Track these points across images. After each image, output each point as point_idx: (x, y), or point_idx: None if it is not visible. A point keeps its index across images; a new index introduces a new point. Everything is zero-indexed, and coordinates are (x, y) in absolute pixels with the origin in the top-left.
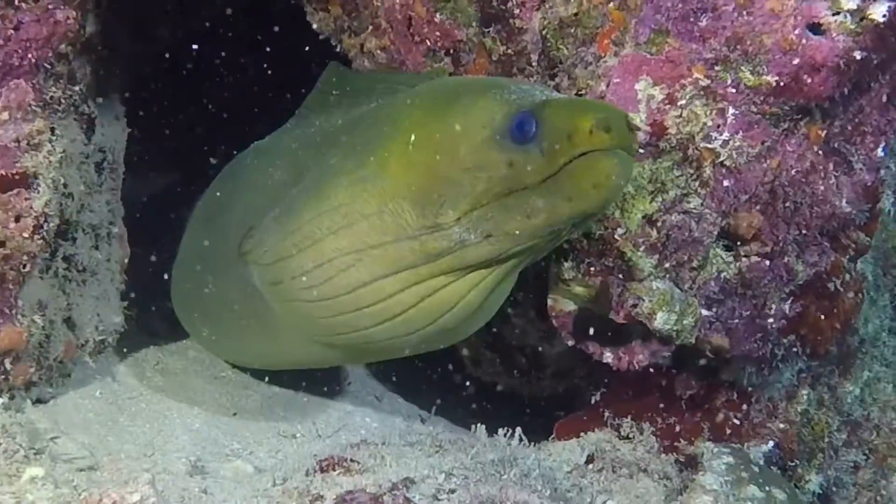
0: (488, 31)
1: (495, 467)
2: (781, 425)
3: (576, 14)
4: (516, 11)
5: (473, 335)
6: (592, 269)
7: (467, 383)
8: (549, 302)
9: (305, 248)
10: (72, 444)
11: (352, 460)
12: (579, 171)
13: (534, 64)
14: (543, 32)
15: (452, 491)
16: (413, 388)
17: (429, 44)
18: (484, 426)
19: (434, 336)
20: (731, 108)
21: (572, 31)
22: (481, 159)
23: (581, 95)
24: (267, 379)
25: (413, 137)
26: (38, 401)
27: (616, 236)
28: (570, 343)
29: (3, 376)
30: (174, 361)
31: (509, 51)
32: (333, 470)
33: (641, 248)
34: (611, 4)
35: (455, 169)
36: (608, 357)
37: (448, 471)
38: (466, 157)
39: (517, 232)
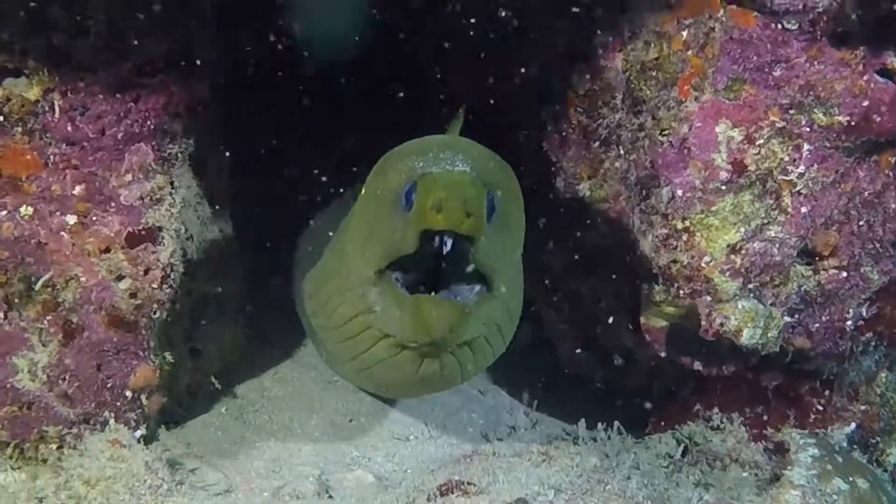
0: (577, 67)
1: (598, 475)
2: (862, 407)
3: (656, 58)
4: (599, 52)
5: (569, 333)
6: (681, 292)
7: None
8: (642, 319)
9: (315, 290)
10: (207, 469)
11: (468, 483)
12: (408, 305)
13: (618, 100)
14: (626, 74)
15: None
16: (515, 381)
17: None
18: (584, 421)
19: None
20: (805, 144)
21: (654, 73)
22: (385, 220)
23: (665, 135)
24: None
25: (362, 191)
26: (170, 423)
27: (703, 263)
28: (662, 355)
29: (140, 410)
30: (290, 369)
31: (594, 86)
32: (452, 493)
33: (727, 274)
34: (689, 52)
35: (374, 226)
36: (698, 366)
37: (556, 486)
38: (380, 215)
39: (385, 320)
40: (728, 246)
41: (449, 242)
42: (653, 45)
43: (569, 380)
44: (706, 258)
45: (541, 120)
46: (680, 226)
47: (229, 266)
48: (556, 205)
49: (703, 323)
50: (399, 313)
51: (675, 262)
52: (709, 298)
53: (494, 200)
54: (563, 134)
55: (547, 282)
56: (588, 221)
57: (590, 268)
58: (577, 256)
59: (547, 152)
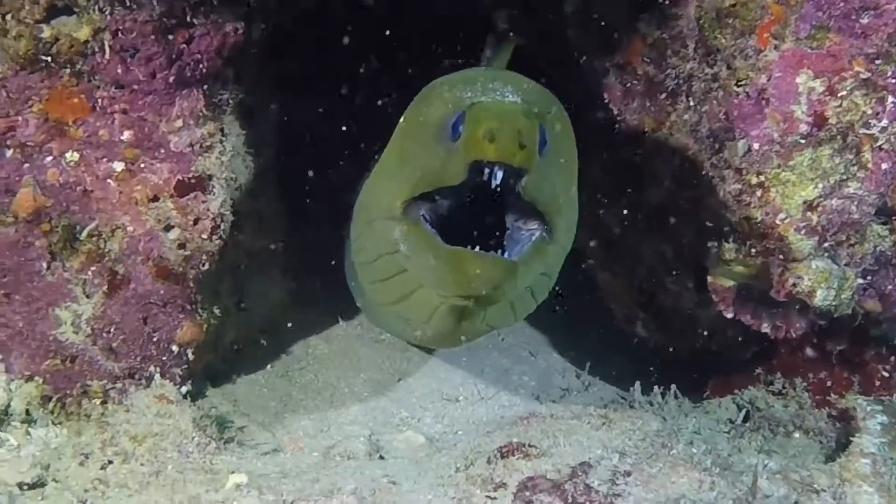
0: (644, 17)
1: (661, 439)
2: None
3: (733, 5)
4: (667, 1)
5: (625, 295)
6: (754, 250)
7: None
8: (709, 279)
9: (352, 222)
10: (255, 428)
11: (529, 445)
12: (446, 257)
13: (690, 50)
14: (700, 21)
15: (628, 473)
16: (567, 342)
17: None
18: (639, 384)
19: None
20: (890, 97)
21: (730, 21)
22: (426, 149)
23: (741, 86)
24: None
25: (401, 122)
26: (215, 379)
27: (777, 220)
28: (729, 315)
29: (185, 365)
30: (335, 328)
31: (664, 35)
32: (513, 455)
33: (802, 232)
34: None
35: (412, 154)
36: (766, 328)
37: (620, 450)
38: (420, 144)
39: (419, 269)
40: (804, 203)
41: (500, 175)
42: None
43: (622, 342)
44: (781, 215)
45: (602, 69)
46: (754, 181)
47: (276, 221)
48: (614, 159)
49: (775, 283)
50: (435, 263)
51: (747, 218)
52: (782, 257)
53: (546, 133)
54: (627, 85)
55: (601, 240)
56: (650, 176)
57: (650, 225)
58: (636, 213)
59: (608, 104)
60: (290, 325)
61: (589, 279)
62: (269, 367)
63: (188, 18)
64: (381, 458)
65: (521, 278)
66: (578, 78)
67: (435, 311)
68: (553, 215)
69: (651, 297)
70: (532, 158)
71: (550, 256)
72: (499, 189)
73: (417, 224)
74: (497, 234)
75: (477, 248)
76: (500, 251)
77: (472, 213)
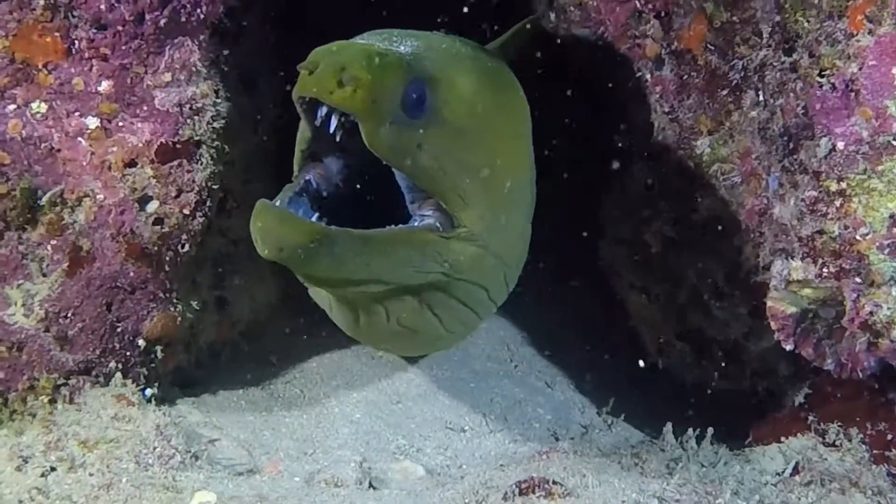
0: None
1: (704, 486)
2: None
3: None
4: None
5: (661, 321)
6: (826, 270)
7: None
8: (769, 303)
9: None
10: (228, 444)
11: (553, 482)
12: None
13: (764, 35)
14: (781, 1)
15: None
16: (588, 373)
17: (637, 5)
18: (671, 424)
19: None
20: None
21: (816, 1)
22: None
23: (825, 76)
24: (429, 360)
25: None
26: (185, 386)
27: (857, 236)
28: (789, 347)
29: (152, 364)
30: (328, 340)
31: (734, 18)
32: (534, 492)
33: (886, 252)
34: None
35: None
36: (830, 364)
37: (659, 496)
38: None
39: None
40: (891, 217)
41: (333, 121)
42: None
43: (653, 376)
44: (862, 230)
45: (655, 58)
46: (834, 187)
47: None
48: (660, 164)
49: (849, 310)
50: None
51: (821, 232)
52: (859, 280)
53: (427, 92)
54: (684, 77)
55: (637, 258)
56: (703, 184)
57: (698, 242)
58: (683, 227)
59: (656, 99)
60: (276, 331)
61: (615, 302)
62: (248, 376)
63: None
64: (373, 487)
65: (342, 252)
66: (616, 69)
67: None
68: (446, 195)
69: (692, 325)
70: (362, 102)
71: (453, 254)
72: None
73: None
74: None
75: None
76: None
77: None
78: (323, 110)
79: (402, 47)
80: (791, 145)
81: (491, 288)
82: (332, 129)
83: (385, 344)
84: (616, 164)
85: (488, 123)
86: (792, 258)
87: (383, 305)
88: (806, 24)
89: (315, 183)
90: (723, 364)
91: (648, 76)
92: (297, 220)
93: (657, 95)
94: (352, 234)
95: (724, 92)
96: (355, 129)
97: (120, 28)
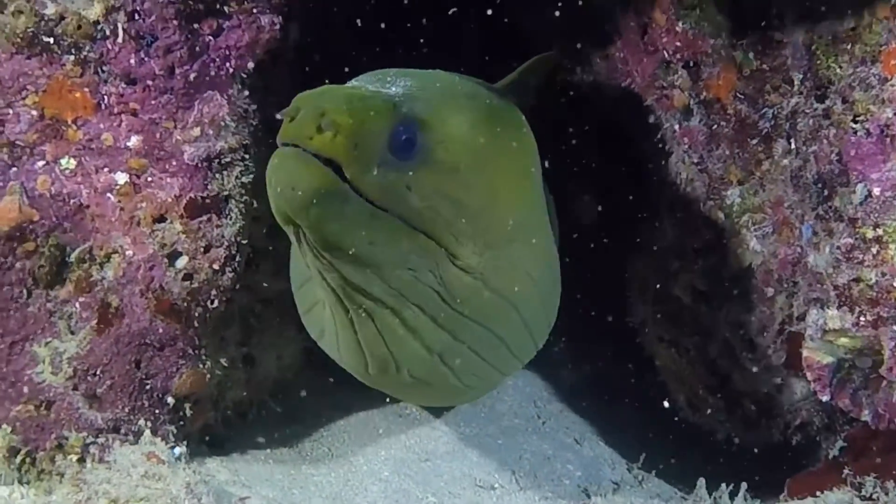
0: (741, 44)
1: None
2: None
3: (853, 28)
4: (776, 22)
5: (692, 375)
6: (863, 318)
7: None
8: (805, 353)
9: None
10: (258, 503)
11: None
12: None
13: (795, 83)
14: (812, 48)
15: None
16: (617, 429)
17: (665, 55)
18: (703, 480)
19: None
20: None
21: (848, 47)
22: None
23: (860, 121)
24: (456, 417)
25: None
26: (213, 444)
27: (895, 283)
28: (826, 398)
29: (181, 422)
30: (353, 397)
31: (764, 65)
32: None
33: None
34: None
35: None
36: (867, 415)
37: None
38: None
39: None
40: None
41: None
42: (849, 11)
43: (683, 431)
44: None
45: (683, 109)
46: (870, 234)
47: None
48: (689, 216)
49: (887, 359)
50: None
51: (858, 280)
52: None
53: (416, 133)
54: (713, 127)
55: (666, 312)
56: (735, 235)
57: (730, 293)
58: (714, 280)
59: (685, 150)
60: (303, 389)
61: (643, 357)
62: (276, 434)
63: (219, 5)
64: None
65: (352, 212)
66: (643, 120)
67: (331, 325)
68: (440, 234)
69: (724, 378)
70: (343, 147)
71: (449, 275)
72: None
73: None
74: None
75: None
76: None
77: None
78: None
79: (394, 88)
80: (825, 192)
81: (509, 339)
82: None
83: (402, 395)
84: (644, 217)
85: (487, 162)
86: (828, 307)
87: (391, 352)
88: (838, 70)
89: None
90: (756, 417)
91: (677, 127)
92: (317, 163)
93: (686, 146)
94: (364, 203)
95: (755, 141)
96: None
97: (150, 82)
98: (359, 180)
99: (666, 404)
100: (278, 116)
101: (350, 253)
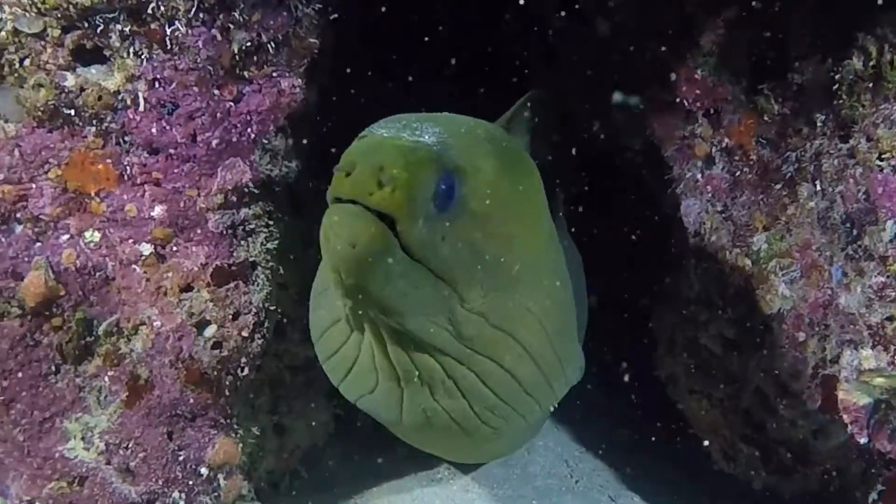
0: (761, 88)
1: None
2: None
3: (875, 67)
4: (796, 65)
5: (725, 425)
6: None
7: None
8: (840, 395)
9: None
10: None
11: None
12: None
13: (817, 125)
14: (833, 88)
15: None
16: (652, 486)
17: (685, 104)
18: None
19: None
20: None
21: (870, 86)
22: None
23: (886, 159)
24: (489, 479)
25: None
26: None
27: None
28: (863, 441)
29: (216, 493)
30: (385, 461)
31: (785, 109)
32: None
33: None
34: None
35: None
36: None
37: None
38: None
39: None
40: None
41: None
42: (870, 49)
43: (718, 484)
44: None
45: (705, 158)
46: None
47: None
48: (716, 264)
49: None
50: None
51: (891, 318)
52: None
53: (455, 183)
54: (736, 174)
55: (694, 364)
56: (763, 282)
57: (760, 341)
58: (744, 328)
59: (708, 199)
60: (332, 456)
61: (674, 410)
62: (309, 502)
63: (238, 69)
64: None
65: (398, 274)
66: (665, 171)
67: (354, 362)
68: (455, 280)
69: (758, 427)
70: (402, 203)
71: (459, 316)
72: None
73: None
74: None
75: None
76: None
77: None
78: None
79: (427, 136)
80: (854, 232)
81: (520, 375)
82: None
83: (430, 441)
84: (668, 268)
85: (509, 209)
86: (861, 348)
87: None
88: (861, 109)
89: None
90: (792, 465)
91: (699, 175)
92: (376, 220)
93: (709, 195)
94: (406, 257)
95: (779, 185)
96: None
97: (172, 151)
98: (407, 234)
99: (699, 455)
100: (335, 170)
101: (380, 301)
